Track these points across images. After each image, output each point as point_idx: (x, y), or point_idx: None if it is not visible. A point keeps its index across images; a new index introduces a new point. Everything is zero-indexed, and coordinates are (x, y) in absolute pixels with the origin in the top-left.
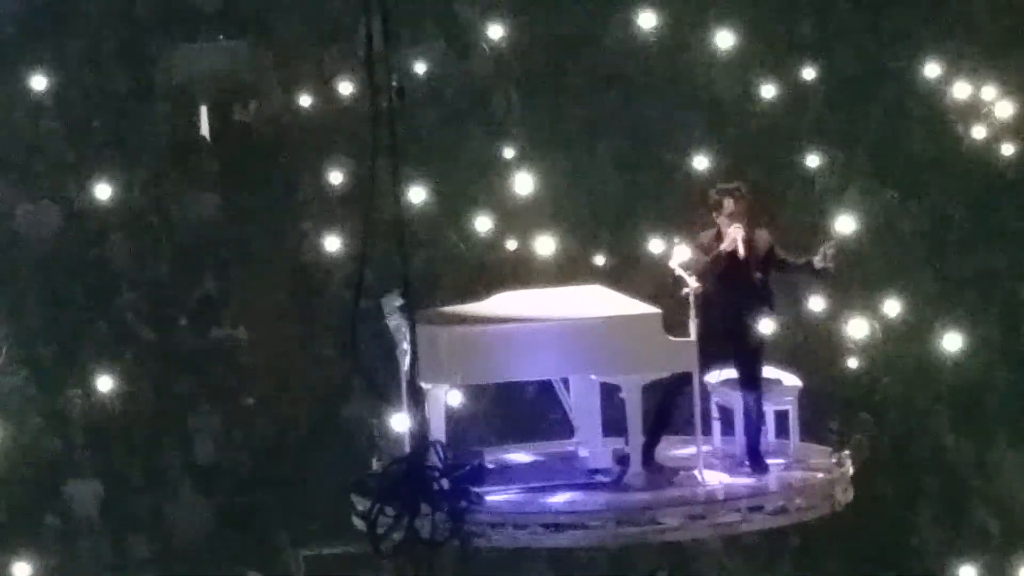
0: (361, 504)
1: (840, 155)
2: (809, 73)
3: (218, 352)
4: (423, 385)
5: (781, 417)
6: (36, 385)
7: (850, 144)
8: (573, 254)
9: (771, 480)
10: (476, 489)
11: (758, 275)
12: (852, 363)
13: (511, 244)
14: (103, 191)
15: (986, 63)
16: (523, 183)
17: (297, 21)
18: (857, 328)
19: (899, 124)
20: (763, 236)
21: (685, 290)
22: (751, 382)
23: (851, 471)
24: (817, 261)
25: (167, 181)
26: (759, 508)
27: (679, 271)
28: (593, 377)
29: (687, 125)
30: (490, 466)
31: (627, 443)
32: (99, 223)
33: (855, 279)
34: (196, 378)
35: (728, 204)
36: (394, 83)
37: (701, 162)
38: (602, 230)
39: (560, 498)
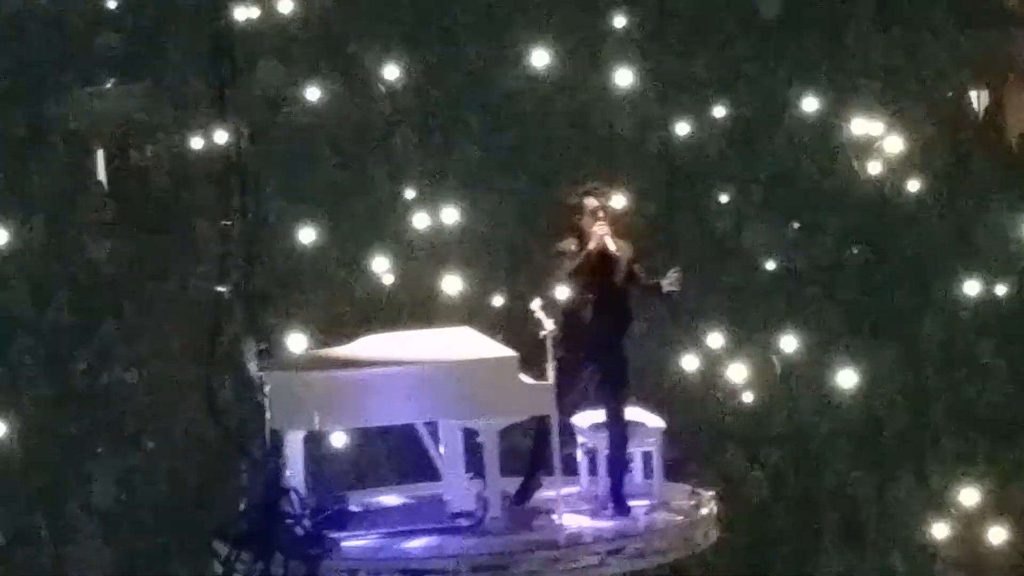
0: (221, 550)
1: (738, 191)
2: (707, 110)
3: (116, 395)
4: (281, 430)
5: (647, 458)
6: None
7: (749, 180)
8: (470, 294)
9: (632, 522)
10: (336, 534)
11: (621, 280)
12: (749, 398)
13: (388, 281)
14: None
15: (880, 99)
16: (420, 222)
17: (192, 64)
18: (757, 363)
19: (797, 160)
20: (623, 245)
21: (542, 332)
22: (615, 419)
23: (715, 512)
24: (665, 284)
25: (64, 225)
26: (618, 551)
27: (538, 313)
28: (451, 422)
29: (585, 164)
30: (354, 510)
31: (486, 486)
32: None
33: (754, 314)
34: (94, 422)
35: (590, 203)
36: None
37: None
38: (499, 270)
39: (418, 543)
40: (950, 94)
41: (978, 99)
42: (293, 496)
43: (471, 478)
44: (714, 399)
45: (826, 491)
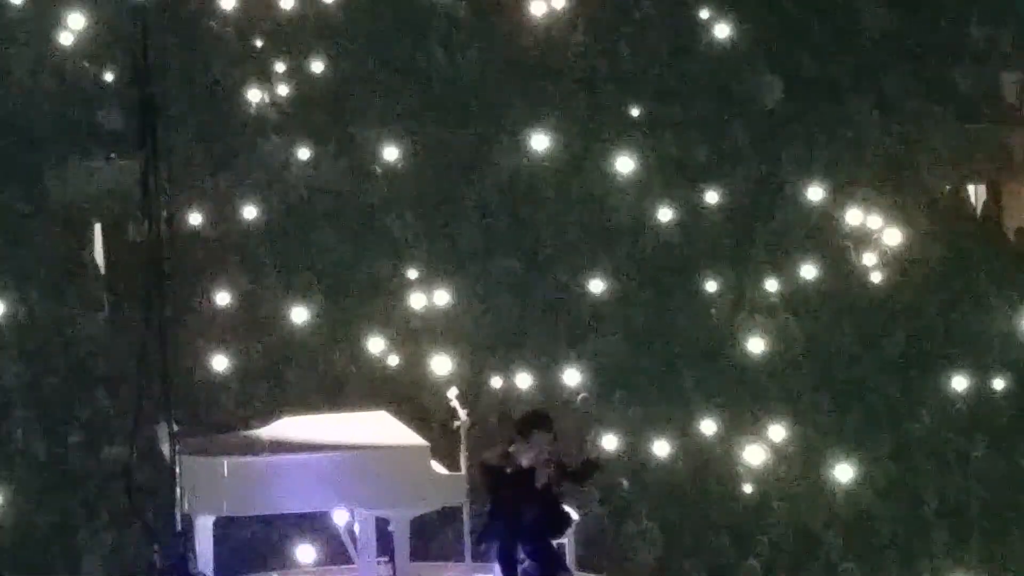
0: None
1: (733, 279)
2: (703, 198)
3: (110, 470)
4: (192, 514)
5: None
6: None
7: (743, 268)
8: (466, 374)
9: None
10: None
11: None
12: (745, 488)
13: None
14: None
15: (875, 191)
16: (417, 304)
17: (192, 141)
18: (751, 454)
19: (791, 249)
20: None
21: (456, 423)
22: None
23: None
24: (590, 454)
25: (60, 299)
26: None
27: (453, 401)
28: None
29: (580, 248)
30: None
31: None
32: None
33: (746, 403)
34: (88, 496)
35: (540, 437)
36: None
37: (596, 285)
38: (496, 351)
39: None
40: (948, 187)
41: (975, 193)
42: None
43: (385, 562)
44: (706, 488)
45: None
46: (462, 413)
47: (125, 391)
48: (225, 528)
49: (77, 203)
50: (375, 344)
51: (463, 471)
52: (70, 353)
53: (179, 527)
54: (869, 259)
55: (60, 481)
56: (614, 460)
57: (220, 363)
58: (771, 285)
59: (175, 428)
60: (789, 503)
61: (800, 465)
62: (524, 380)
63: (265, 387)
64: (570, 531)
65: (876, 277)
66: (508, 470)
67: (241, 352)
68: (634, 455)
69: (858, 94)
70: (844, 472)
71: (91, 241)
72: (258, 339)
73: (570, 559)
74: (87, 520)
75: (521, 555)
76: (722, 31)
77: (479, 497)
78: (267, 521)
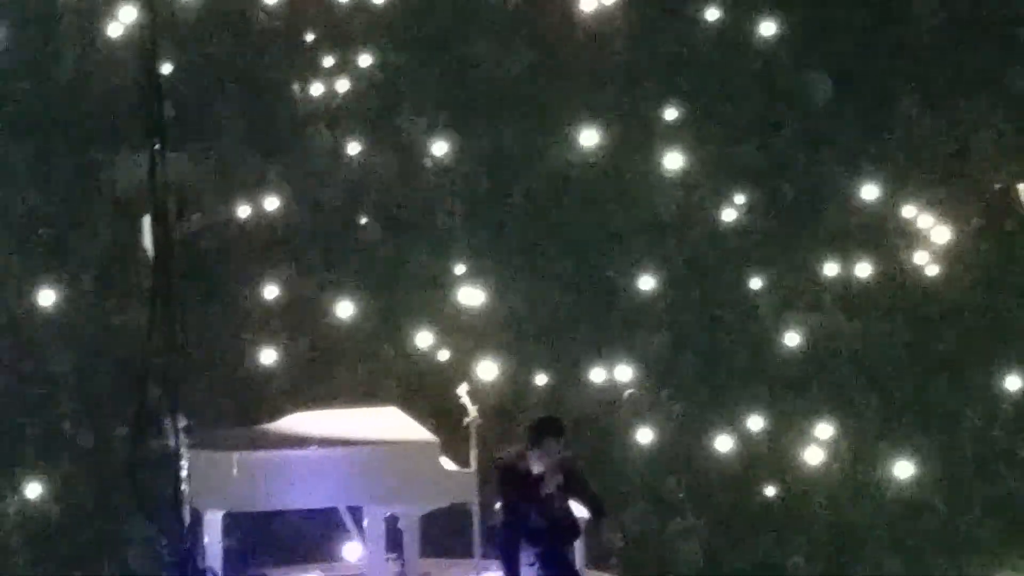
0: None
1: (781, 276)
2: (753, 195)
3: (158, 462)
4: (200, 509)
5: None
6: None
7: (792, 265)
8: (513, 372)
9: None
10: None
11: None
12: (792, 486)
13: (443, 355)
14: (46, 298)
15: (925, 189)
16: (465, 298)
17: (243, 132)
18: (797, 451)
19: (842, 246)
20: (569, 463)
21: (466, 419)
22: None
23: None
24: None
25: (109, 291)
26: None
27: (463, 398)
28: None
29: (628, 243)
30: None
31: (402, 573)
32: (39, 331)
33: (793, 400)
34: (134, 486)
35: (551, 444)
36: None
37: (645, 281)
38: (543, 349)
39: None
40: (998, 186)
41: None
42: None
43: (395, 558)
44: (752, 485)
45: None
46: (472, 409)
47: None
48: (233, 523)
49: (127, 194)
50: (422, 338)
51: (473, 468)
52: (119, 343)
53: (187, 521)
54: (919, 257)
55: (107, 471)
56: (658, 459)
57: (267, 356)
58: (819, 283)
59: (182, 423)
60: (835, 501)
61: (847, 463)
62: (570, 376)
63: (310, 381)
64: (579, 537)
65: (926, 275)
66: (522, 471)
67: (287, 346)
68: (680, 452)
69: (909, 93)
70: (891, 470)
71: (140, 232)
72: (304, 333)
73: (579, 560)
74: (131, 512)
75: (532, 557)
76: (769, 28)
77: (490, 494)
78: (275, 516)
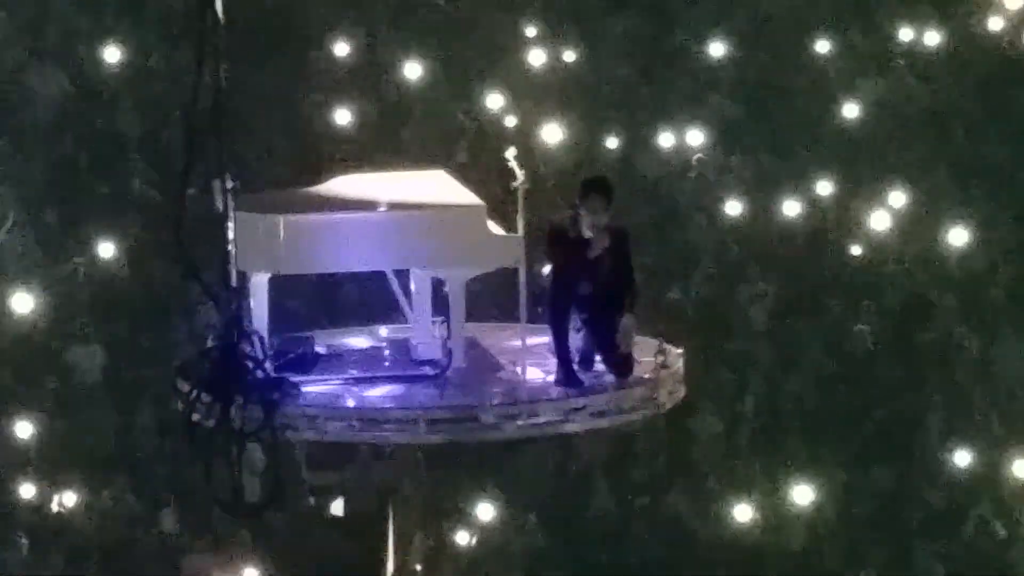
0: (183, 388)
1: (851, 41)
2: None
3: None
4: (246, 272)
5: None
6: (41, 250)
7: (862, 29)
8: (582, 133)
9: (596, 380)
10: (297, 378)
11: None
12: (856, 250)
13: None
14: (112, 56)
15: None
16: (535, 60)
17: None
18: (867, 216)
19: (912, 7)
20: (621, 234)
21: (514, 183)
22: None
23: (681, 371)
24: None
25: (178, 49)
26: (579, 409)
27: (511, 162)
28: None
29: (702, 8)
30: (320, 351)
31: (450, 336)
32: (108, 89)
33: (864, 165)
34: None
35: (596, 202)
36: None
37: (717, 48)
38: (613, 112)
39: (380, 391)
40: None
41: None
42: (255, 339)
43: (440, 322)
44: (821, 249)
45: (930, 346)
46: (520, 174)
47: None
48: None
49: None
50: (492, 100)
51: (520, 232)
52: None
53: (234, 284)
54: (996, 23)
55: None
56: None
57: (342, 117)
58: (888, 45)
59: (230, 183)
60: (904, 265)
61: (916, 228)
62: (640, 141)
63: (377, 142)
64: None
65: (1001, 39)
66: (571, 235)
67: (358, 106)
68: (748, 215)
69: None
70: (959, 236)
71: None
72: (373, 94)
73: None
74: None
75: (578, 323)
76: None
77: (538, 260)
78: (322, 281)
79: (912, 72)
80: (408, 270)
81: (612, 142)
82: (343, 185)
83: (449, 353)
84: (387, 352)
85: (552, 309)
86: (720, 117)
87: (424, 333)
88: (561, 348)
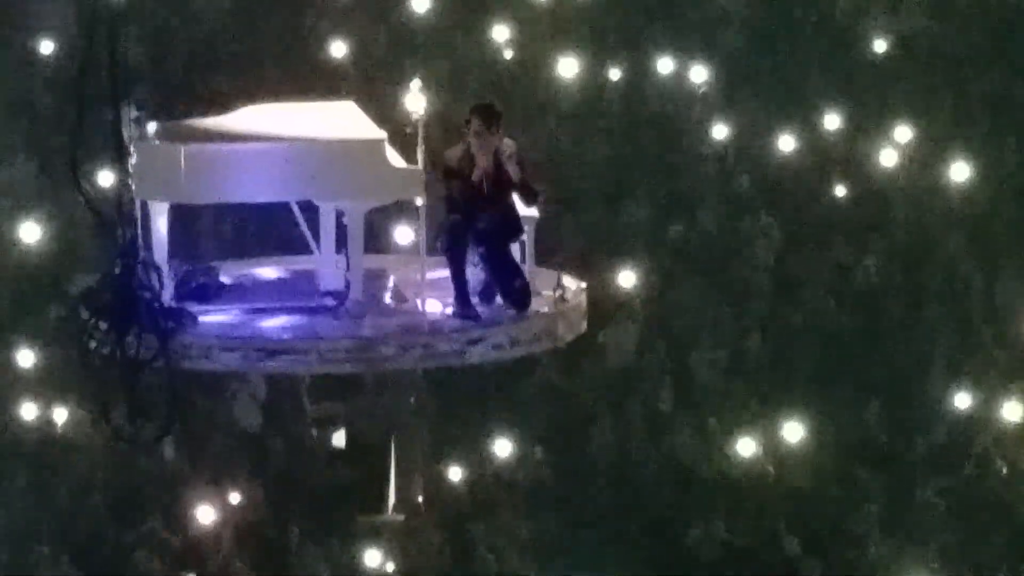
0: (83, 315)
1: None
2: None
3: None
4: (146, 201)
5: (521, 246)
6: (45, 176)
7: None
8: (587, 65)
9: (495, 312)
10: (196, 308)
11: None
12: (867, 186)
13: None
14: None
15: None
16: None
17: None
18: (874, 151)
19: None
20: (509, 147)
21: (415, 116)
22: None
23: (583, 305)
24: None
25: None
26: (478, 341)
27: (414, 93)
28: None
29: None
30: (224, 281)
31: (349, 268)
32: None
33: (872, 102)
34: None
35: (476, 124)
36: None
37: None
38: (619, 44)
39: (278, 322)
40: None
41: None
42: (151, 269)
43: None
44: (826, 183)
45: (934, 281)
46: (421, 106)
47: (246, 71)
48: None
49: None
50: (499, 33)
51: (420, 165)
52: (191, 32)
53: (136, 214)
54: None
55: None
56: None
57: (338, 49)
58: None
59: (134, 113)
60: (910, 201)
61: (922, 164)
62: (645, 73)
63: (387, 70)
64: (530, 227)
65: None
66: (463, 166)
67: (364, 36)
68: (753, 150)
69: None
70: (964, 172)
71: None
72: (381, 23)
73: (528, 259)
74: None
75: (476, 257)
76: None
77: (437, 192)
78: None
79: (920, 8)
80: (310, 201)
81: (615, 73)
82: (249, 116)
83: (347, 284)
84: (290, 282)
85: (447, 241)
86: (725, 51)
87: (327, 264)
88: (458, 280)
